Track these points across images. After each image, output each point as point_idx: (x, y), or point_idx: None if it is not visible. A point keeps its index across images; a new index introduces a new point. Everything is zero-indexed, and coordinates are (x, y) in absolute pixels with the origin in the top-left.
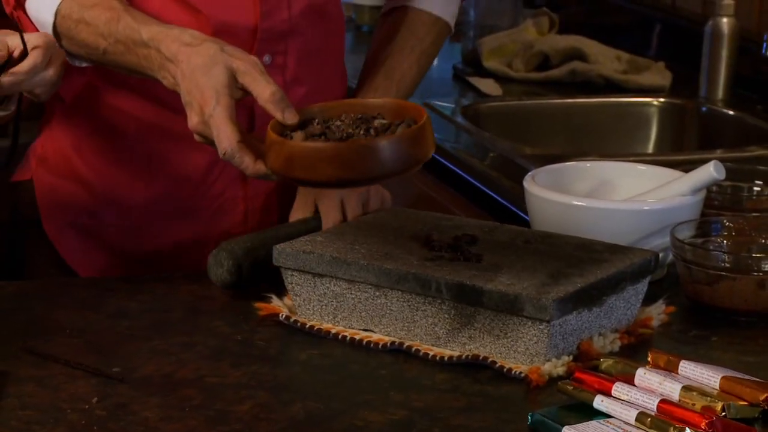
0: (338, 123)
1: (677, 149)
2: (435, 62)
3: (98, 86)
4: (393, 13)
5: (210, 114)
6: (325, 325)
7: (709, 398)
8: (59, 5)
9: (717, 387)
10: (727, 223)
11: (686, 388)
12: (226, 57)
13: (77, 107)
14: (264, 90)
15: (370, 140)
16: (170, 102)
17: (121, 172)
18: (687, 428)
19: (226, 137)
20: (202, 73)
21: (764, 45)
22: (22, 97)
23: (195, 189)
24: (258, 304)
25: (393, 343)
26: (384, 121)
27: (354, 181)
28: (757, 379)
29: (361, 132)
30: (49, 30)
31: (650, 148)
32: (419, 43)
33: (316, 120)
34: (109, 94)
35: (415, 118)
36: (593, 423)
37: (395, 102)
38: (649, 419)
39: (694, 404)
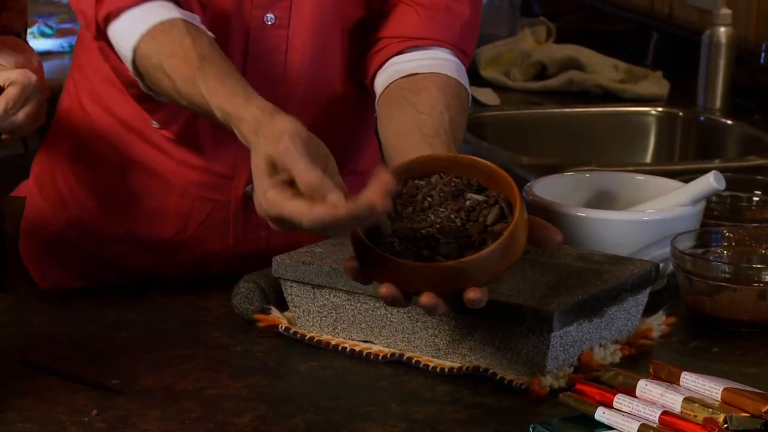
0: (429, 200)
1: (675, 159)
2: None
3: (88, 110)
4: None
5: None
6: (325, 337)
7: (711, 410)
8: (137, 42)
9: (719, 398)
10: (727, 234)
11: (688, 400)
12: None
13: (66, 130)
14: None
15: (457, 263)
16: (158, 142)
17: (101, 203)
18: None
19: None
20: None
21: (762, 54)
22: None
23: (174, 228)
24: (257, 316)
25: (393, 354)
26: (478, 197)
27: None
28: (759, 391)
29: (455, 218)
30: (129, 65)
31: (648, 158)
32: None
33: (406, 190)
34: (98, 122)
35: (507, 197)
36: None
37: (487, 166)
38: (651, 431)
39: (696, 416)
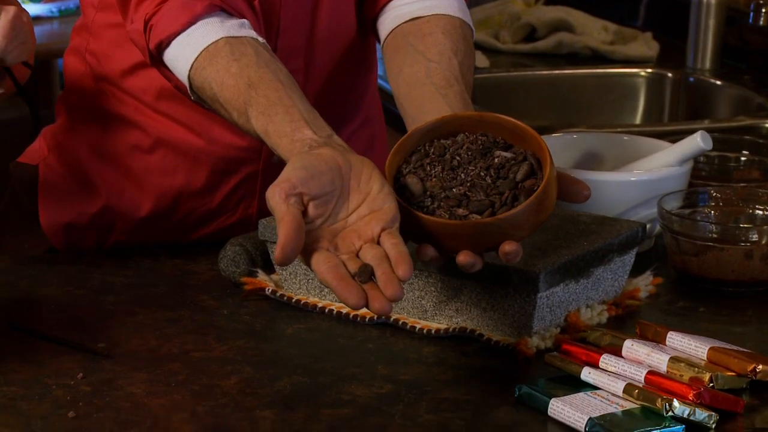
0: (457, 158)
1: (665, 120)
2: None
3: (110, 94)
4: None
5: None
6: (312, 299)
7: (696, 369)
8: (189, 74)
9: (705, 358)
10: (715, 194)
11: (674, 359)
12: None
13: (87, 113)
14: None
15: (494, 219)
16: (187, 121)
17: (131, 185)
18: (675, 399)
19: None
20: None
21: (751, 14)
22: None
23: (200, 201)
24: (244, 279)
25: (380, 316)
26: (506, 155)
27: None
28: (745, 350)
29: (485, 175)
30: (190, 93)
31: (637, 119)
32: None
33: (433, 150)
34: (123, 106)
35: (535, 153)
36: (581, 395)
37: (512, 123)
38: (636, 390)
39: (681, 375)
